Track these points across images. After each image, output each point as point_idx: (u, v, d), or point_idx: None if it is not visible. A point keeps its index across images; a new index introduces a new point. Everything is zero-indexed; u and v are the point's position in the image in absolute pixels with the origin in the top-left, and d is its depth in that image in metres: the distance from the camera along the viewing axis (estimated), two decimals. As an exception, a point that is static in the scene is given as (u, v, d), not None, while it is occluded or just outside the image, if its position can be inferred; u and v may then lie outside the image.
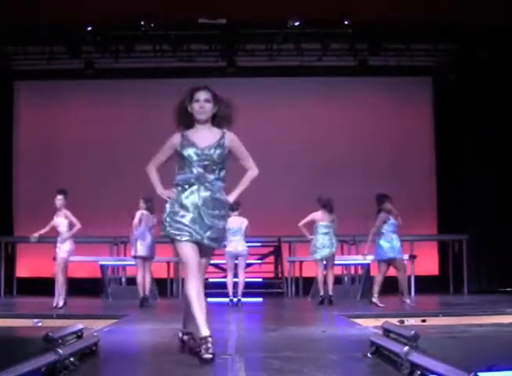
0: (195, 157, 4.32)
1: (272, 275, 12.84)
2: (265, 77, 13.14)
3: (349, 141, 13.24)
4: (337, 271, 11.50)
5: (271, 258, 12.87)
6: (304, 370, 3.64)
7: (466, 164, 12.61)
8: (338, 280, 11.15)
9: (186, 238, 4.26)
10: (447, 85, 13.10)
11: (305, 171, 12.99)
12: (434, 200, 13.35)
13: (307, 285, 11.67)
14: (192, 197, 4.30)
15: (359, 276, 11.72)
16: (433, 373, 3.18)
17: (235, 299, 9.51)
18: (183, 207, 4.29)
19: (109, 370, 4.00)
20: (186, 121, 4.45)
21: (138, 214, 9.59)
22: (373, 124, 13.28)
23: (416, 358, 3.40)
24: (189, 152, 4.33)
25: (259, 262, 12.61)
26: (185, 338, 4.42)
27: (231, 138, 4.45)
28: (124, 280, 11.99)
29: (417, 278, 11.84)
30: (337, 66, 12.93)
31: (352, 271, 12.16)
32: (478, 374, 2.79)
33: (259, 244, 12.45)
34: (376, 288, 9.20)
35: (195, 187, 4.31)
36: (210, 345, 3.94)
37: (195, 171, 4.32)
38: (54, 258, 9.25)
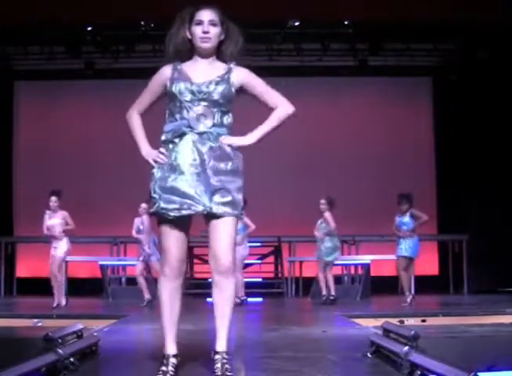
0: (188, 96, 3.29)
1: (272, 275, 12.83)
2: (265, 77, 13.12)
3: (349, 141, 13.24)
4: (337, 271, 11.51)
5: (271, 258, 12.87)
6: (304, 370, 3.64)
7: (467, 164, 12.60)
8: (338, 280, 11.15)
9: (183, 212, 3.23)
10: (447, 85, 13.10)
11: (305, 170, 12.99)
12: (434, 200, 13.34)
13: (307, 285, 11.67)
14: (186, 151, 3.28)
15: (359, 276, 11.72)
16: (433, 373, 3.18)
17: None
18: (174, 168, 3.26)
19: (109, 370, 3.99)
20: (181, 53, 3.40)
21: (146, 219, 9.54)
22: (373, 124, 13.28)
23: (416, 358, 3.39)
24: (181, 87, 3.29)
25: (259, 262, 12.61)
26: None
27: (241, 72, 3.42)
28: (124, 280, 11.99)
29: (417, 278, 11.84)
30: (337, 66, 12.93)
31: (352, 271, 12.16)
32: (478, 374, 2.79)
33: (259, 244, 12.45)
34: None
35: (188, 137, 3.28)
36: (171, 367, 3.29)
37: (187, 115, 3.29)
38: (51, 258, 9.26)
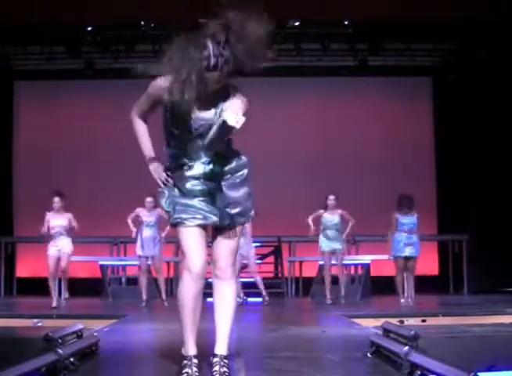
0: (191, 131, 3.21)
1: (272, 275, 12.83)
2: (265, 77, 13.12)
3: (349, 141, 13.24)
4: (337, 271, 11.51)
5: (271, 258, 12.87)
6: (303, 370, 3.64)
7: (467, 164, 12.60)
8: (338, 280, 11.14)
9: (197, 222, 3.24)
10: (447, 85, 13.10)
11: (305, 170, 12.99)
12: (434, 200, 13.35)
13: (307, 285, 11.67)
14: (194, 180, 3.27)
15: (359, 276, 11.72)
16: (433, 373, 3.17)
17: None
18: (186, 195, 3.27)
19: (109, 370, 3.99)
20: (184, 72, 3.06)
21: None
22: (373, 124, 13.28)
23: (416, 358, 3.39)
24: (185, 117, 3.17)
25: (259, 262, 12.60)
26: None
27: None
28: (124, 280, 11.99)
29: (417, 278, 11.83)
30: (337, 66, 12.93)
31: (352, 271, 12.16)
32: (478, 374, 2.79)
33: (259, 244, 12.44)
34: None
35: (194, 167, 3.28)
36: (195, 368, 3.23)
37: (190, 148, 3.25)
38: (58, 259, 9.27)
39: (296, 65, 12.68)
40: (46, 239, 9.25)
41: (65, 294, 9.24)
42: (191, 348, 3.28)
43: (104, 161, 12.94)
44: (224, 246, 3.35)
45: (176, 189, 3.29)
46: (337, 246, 10.01)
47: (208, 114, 3.21)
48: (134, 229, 9.67)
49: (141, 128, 3.44)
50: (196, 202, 3.25)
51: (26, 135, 13.41)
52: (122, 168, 12.47)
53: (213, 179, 3.27)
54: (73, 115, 13.19)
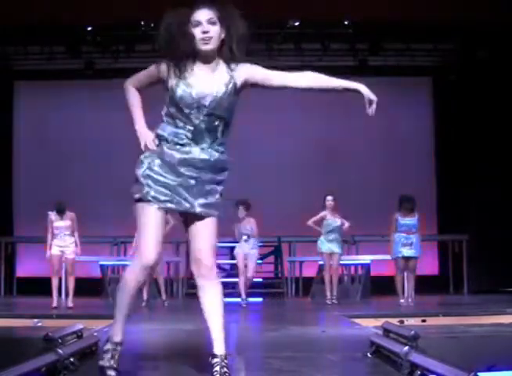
0: (192, 109, 3.18)
1: (272, 275, 12.83)
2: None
3: (349, 141, 13.23)
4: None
5: (271, 258, 12.87)
6: (303, 370, 3.64)
7: (467, 164, 12.60)
8: (338, 280, 11.15)
9: (169, 205, 3.18)
10: (447, 85, 13.10)
11: (305, 170, 12.98)
12: (434, 200, 13.35)
13: (307, 285, 11.67)
14: (185, 160, 3.21)
15: (359, 276, 11.72)
16: (433, 373, 3.17)
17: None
18: (170, 169, 3.19)
19: (109, 370, 3.98)
20: (180, 54, 3.18)
21: None
22: (373, 124, 13.18)
23: (416, 358, 3.39)
24: (185, 97, 3.17)
25: (259, 262, 12.59)
26: None
27: (241, 72, 3.23)
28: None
29: (417, 278, 11.83)
30: (337, 66, 12.91)
31: (352, 271, 12.16)
32: (478, 374, 2.79)
33: (259, 244, 12.43)
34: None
35: (188, 148, 3.21)
36: (117, 354, 3.32)
37: (190, 127, 3.20)
38: (61, 259, 9.28)
39: (296, 65, 12.65)
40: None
41: (68, 303, 9.21)
42: (118, 335, 3.34)
43: (104, 161, 12.94)
44: (205, 243, 3.25)
45: (157, 164, 3.21)
46: (336, 249, 10.02)
47: (209, 89, 3.19)
48: None
49: (135, 98, 3.39)
50: (176, 185, 3.18)
51: (26, 135, 13.41)
52: (122, 168, 12.43)
53: (202, 169, 3.21)
54: (73, 115, 13.19)
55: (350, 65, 12.75)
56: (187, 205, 3.19)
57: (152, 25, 11.32)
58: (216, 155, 3.24)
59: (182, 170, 3.20)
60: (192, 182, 3.20)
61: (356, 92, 3.49)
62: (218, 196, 3.27)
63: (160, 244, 3.23)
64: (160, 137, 3.26)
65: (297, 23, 11.50)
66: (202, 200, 3.20)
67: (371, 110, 3.43)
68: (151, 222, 3.21)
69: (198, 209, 3.20)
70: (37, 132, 13.36)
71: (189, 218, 3.27)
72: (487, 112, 12.18)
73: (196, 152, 3.21)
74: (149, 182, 3.20)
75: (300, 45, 12.31)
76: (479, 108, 12.30)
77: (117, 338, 3.34)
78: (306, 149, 13.07)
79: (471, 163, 12.46)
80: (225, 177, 3.30)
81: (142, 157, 3.27)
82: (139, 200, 3.24)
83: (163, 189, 3.18)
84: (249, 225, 9.68)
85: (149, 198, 3.20)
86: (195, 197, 3.20)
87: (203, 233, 3.25)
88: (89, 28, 11.58)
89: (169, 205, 3.19)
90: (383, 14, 10.70)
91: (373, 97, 3.44)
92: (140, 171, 3.24)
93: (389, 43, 12.34)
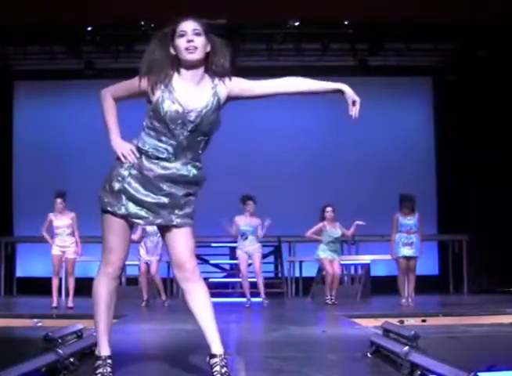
0: (177, 124, 3.15)
1: (272, 275, 12.83)
2: (265, 77, 13.13)
3: (349, 141, 13.23)
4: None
5: (271, 258, 12.87)
6: (303, 370, 3.64)
7: (467, 164, 12.61)
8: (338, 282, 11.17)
9: (133, 221, 3.19)
10: (447, 85, 13.10)
11: (305, 171, 12.98)
12: (434, 200, 13.35)
13: (307, 285, 11.67)
14: (163, 174, 3.18)
15: (359, 276, 11.72)
16: (433, 373, 3.17)
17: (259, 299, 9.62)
18: (146, 182, 3.17)
19: (109, 370, 3.98)
20: (164, 69, 3.19)
21: None
22: (373, 124, 13.25)
23: (416, 358, 3.39)
24: (170, 111, 3.15)
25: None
26: None
27: (222, 86, 3.25)
28: (124, 280, 11.97)
29: (417, 278, 11.83)
30: (337, 66, 12.91)
31: (352, 271, 12.16)
32: (478, 374, 2.79)
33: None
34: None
35: (167, 163, 3.19)
36: (109, 368, 3.22)
37: (172, 142, 3.17)
38: (61, 259, 9.27)
39: (296, 65, 12.67)
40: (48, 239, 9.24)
41: (69, 303, 9.22)
42: (105, 349, 3.25)
43: (105, 161, 12.88)
44: (184, 247, 3.22)
45: (135, 178, 3.19)
46: (337, 257, 10.09)
47: (194, 104, 3.19)
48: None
49: (111, 108, 3.45)
50: (152, 202, 3.17)
51: (26, 134, 13.41)
52: (122, 168, 12.45)
53: (179, 183, 3.20)
54: (73, 115, 13.19)
55: (350, 65, 12.75)
56: (161, 220, 3.19)
57: (152, 25, 11.32)
58: (194, 171, 3.23)
59: (160, 185, 3.18)
60: (168, 198, 3.18)
61: (340, 92, 3.34)
62: (193, 206, 3.25)
63: (126, 251, 3.28)
64: (139, 150, 3.24)
65: (296, 23, 11.49)
66: (179, 212, 3.19)
67: (354, 110, 3.27)
68: (118, 230, 3.25)
69: (175, 221, 3.19)
70: (37, 132, 13.36)
71: (165, 226, 3.25)
72: (487, 112, 12.19)
73: (176, 167, 3.19)
74: (124, 197, 3.20)
75: (300, 45, 12.31)
76: (479, 108, 12.30)
77: (105, 352, 3.26)
78: (306, 148, 13.06)
79: (471, 163, 12.46)
80: (200, 189, 3.29)
81: (119, 168, 3.26)
82: (107, 211, 3.26)
83: (138, 207, 3.18)
84: (254, 222, 9.69)
85: (122, 214, 3.20)
86: (171, 210, 3.18)
87: (181, 238, 3.23)
88: (89, 28, 11.57)
89: (142, 222, 3.22)
90: (383, 14, 10.70)
91: (357, 98, 3.27)
92: (117, 185, 3.23)
93: (389, 43, 12.33)
